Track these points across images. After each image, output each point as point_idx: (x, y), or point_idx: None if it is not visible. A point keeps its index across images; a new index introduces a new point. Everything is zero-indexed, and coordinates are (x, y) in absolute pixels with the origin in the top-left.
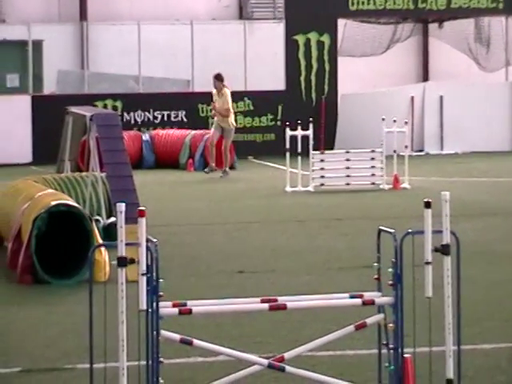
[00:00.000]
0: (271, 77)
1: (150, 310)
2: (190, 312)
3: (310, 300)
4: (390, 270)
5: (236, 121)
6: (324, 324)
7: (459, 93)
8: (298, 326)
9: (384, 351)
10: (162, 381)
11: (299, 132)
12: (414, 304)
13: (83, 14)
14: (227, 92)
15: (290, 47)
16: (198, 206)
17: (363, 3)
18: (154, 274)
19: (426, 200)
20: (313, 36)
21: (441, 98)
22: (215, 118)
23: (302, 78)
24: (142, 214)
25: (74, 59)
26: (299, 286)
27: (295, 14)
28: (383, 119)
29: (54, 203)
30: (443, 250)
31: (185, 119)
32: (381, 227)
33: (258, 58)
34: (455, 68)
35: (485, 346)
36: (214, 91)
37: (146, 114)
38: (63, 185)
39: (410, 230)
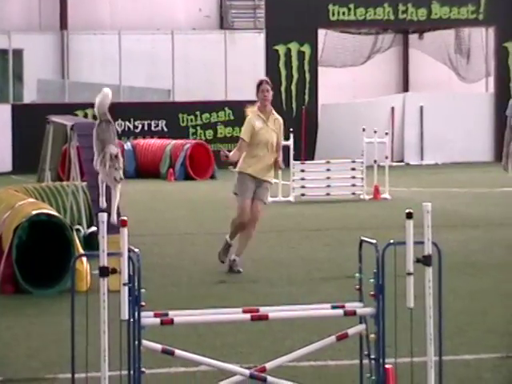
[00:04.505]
0: (252, 86)
1: (131, 320)
2: (171, 322)
3: (291, 310)
4: (372, 280)
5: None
6: (306, 334)
7: (439, 103)
8: (280, 336)
9: (366, 362)
10: None
11: None
12: (396, 314)
13: (64, 23)
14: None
15: (271, 57)
16: (179, 215)
17: (344, 14)
18: (136, 284)
19: (407, 211)
20: (293, 46)
21: (421, 108)
22: None
23: (283, 88)
24: (123, 223)
25: (54, 68)
26: (281, 296)
27: (276, 24)
28: (363, 129)
29: (34, 212)
30: (425, 260)
31: (165, 129)
32: (362, 238)
33: (239, 67)
34: (435, 79)
35: (466, 357)
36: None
37: (127, 123)
38: (44, 194)
39: (391, 241)
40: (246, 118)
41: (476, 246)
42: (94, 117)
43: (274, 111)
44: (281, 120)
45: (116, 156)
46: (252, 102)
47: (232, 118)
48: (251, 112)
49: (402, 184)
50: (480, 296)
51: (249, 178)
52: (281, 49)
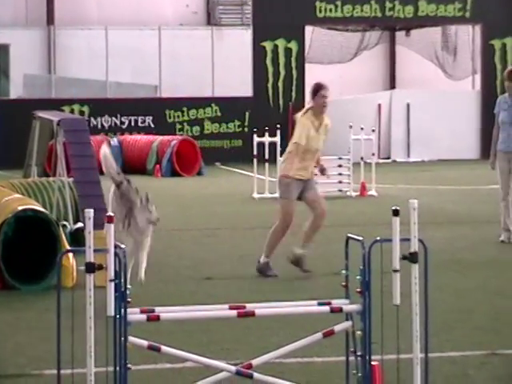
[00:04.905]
0: (239, 83)
1: (118, 317)
2: (158, 318)
3: (278, 307)
4: (358, 277)
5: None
6: (292, 331)
7: (426, 101)
8: (266, 332)
9: (352, 358)
10: None
11: (267, 138)
12: (382, 311)
13: (50, 19)
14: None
15: (258, 54)
16: (166, 211)
17: (331, 10)
18: (122, 280)
19: (394, 208)
20: (280, 43)
21: (408, 105)
22: None
23: (270, 85)
24: (109, 219)
25: (40, 63)
26: (267, 292)
27: (263, 20)
28: (350, 126)
29: (20, 208)
30: (411, 257)
31: (152, 125)
32: (349, 235)
33: (226, 64)
34: (422, 76)
35: (452, 354)
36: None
37: (113, 119)
38: (30, 190)
39: (378, 238)
40: (300, 122)
41: (462, 244)
42: (81, 112)
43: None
44: (329, 122)
45: (147, 199)
46: (239, 99)
47: (219, 114)
48: (305, 117)
49: (388, 181)
50: (466, 293)
51: (296, 181)
52: (268, 45)
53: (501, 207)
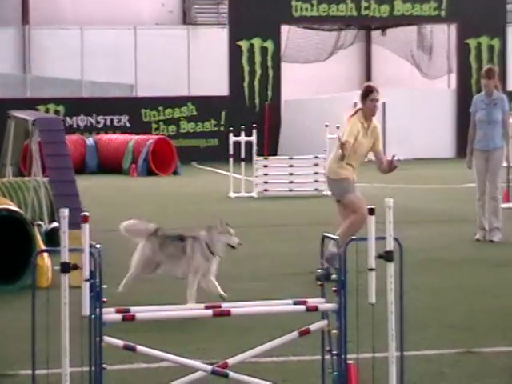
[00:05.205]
0: (215, 82)
1: (93, 316)
2: (133, 318)
3: (253, 306)
4: (334, 276)
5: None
6: (268, 330)
7: (402, 100)
8: (242, 332)
9: (327, 357)
10: None
11: (243, 138)
12: (358, 310)
13: (25, 18)
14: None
15: (234, 53)
16: (141, 211)
17: (307, 9)
18: (98, 279)
19: (369, 207)
20: (256, 42)
21: (384, 104)
22: None
23: (246, 84)
24: (85, 219)
25: (16, 63)
26: (243, 292)
27: (239, 19)
28: (326, 125)
29: None
30: (386, 256)
31: (128, 124)
32: (325, 233)
33: (202, 63)
34: (398, 75)
35: (428, 352)
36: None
37: (89, 118)
38: (5, 189)
39: (353, 237)
40: (351, 122)
41: (438, 242)
42: (56, 111)
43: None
44: (378, 126)
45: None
46: (215, 98)
47: (195, 113)
48: (357, 118)
49: (364, 180)
50: (442, 292)
51: (351, 180)
52: (244, 44)
53: (477, 206)
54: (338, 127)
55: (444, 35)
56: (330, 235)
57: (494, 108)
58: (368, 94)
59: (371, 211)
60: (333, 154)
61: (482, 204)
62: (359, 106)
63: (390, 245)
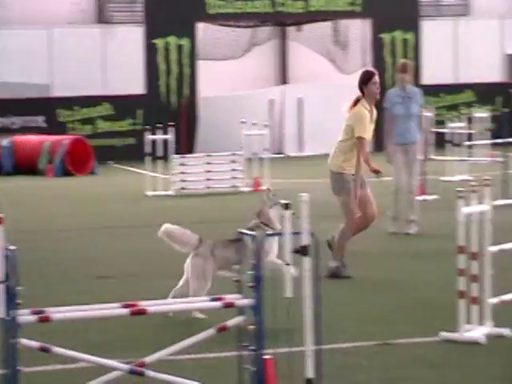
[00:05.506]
0: (131, 81)
1: (7, 318)
2: (48, 319)
3: (170, 304)
4: (251, 271)
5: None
6: (186, 328)
7: (318, 95)
8: (160, 330)
9: (245, 353)
10: None
11: (159, 136)
12: (275, 305)
13: None
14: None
15: (150, 51)
16: (58, 211)
17: (221, 7)
18: (13, 281)
19: (284, 202)
20: (172, 40)
21: (300, 100)
22: None
23: (162, 82)
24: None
25: None
26: (161, 290)
27: (154, 17)
28: (243, 122)
29: None
30: (302, 251)
31: (44, 124)
32: (240, 230)
33: (118, 61)
34: (314, 70)
35: (345, 345)
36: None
37: (4, 120)
38: None
39: (268, 232)
40: (360, 113)
41: (355, 236)
42: None
43: None
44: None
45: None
46: (131, 96)
47: (111, 112)
48: (363, 108)
49: (282, 176)
50: (358, 285)
51: (352, 177)
52: (159, 42)
53: (393, 199)
54: (253, 124)
55: (359, 30)
56: (246, 231)
57: (410, 102)
58: (370, 77)
59: (286, 206)
60: (336, 147)
61: (398, 197)
62: (360, 93)
63: (306, 239)
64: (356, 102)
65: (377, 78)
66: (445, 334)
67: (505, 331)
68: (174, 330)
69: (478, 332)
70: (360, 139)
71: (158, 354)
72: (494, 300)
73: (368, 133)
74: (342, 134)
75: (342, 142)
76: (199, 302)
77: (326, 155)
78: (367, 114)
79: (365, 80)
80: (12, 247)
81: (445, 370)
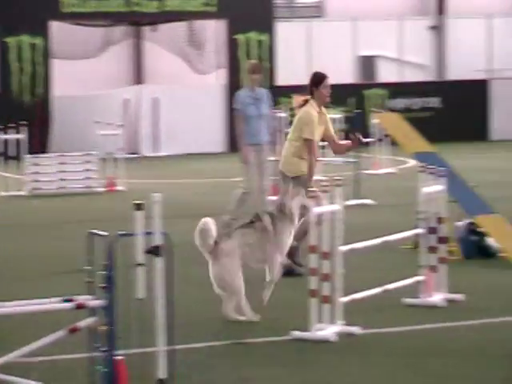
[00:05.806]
0: None
1: None
2: None
3: (18, 306)
4: (102, 272)
5: None
6: (36, 330)
7: (174, 95)
8: (9, 332)
9: (97, 354)
10: None
11: (12, 135)
12: (128, 306)
13: None
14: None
15: (2, 49)
16: None
17: (75, 6)
18: None
19: (136, 202)
20: (25, 38)
21: (156, 100)
22: None
23: (15, 81)
24: None
25: None
26: (11, 293)
27: (7, 16)
28: (97, 122)
29: None
30: (155, 251)
31: None
32: (91, 230)
33: None
34: (170, 71)
35: (197, 345)
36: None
37: None
38: None
39: (120, 233)
40: (309, 115)
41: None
42: None
43: None
44: (325, 111)
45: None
46: None
47: None
48: (312, 109)
49: (137, 176)
50: (210, 285)
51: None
52: (12, 41)
53: (239, 199)
54: (108, 124)
55: (214, 31)
56: (96, 232)
57: (261, 103)
58: (321, 81)
59: (138, 206)
60: (287, 148)
61: (247, 197)
62: (311, 95)
63: (158, 239)
64: (305, 102)
65: (328, 82)
66: (297, 333)
67: (355, 329)
68: (21, 333)
69: (329, 331)
70: (307, 141)
71: (7, 357)
72: (345, 299)
73: (317, 135)
74: (291, 131)
75: (293, 141)
76: (49, 304)
77: (182, 155)
78: (316, 116)
79: (316, 83)
80: None
81: (297, 369)
